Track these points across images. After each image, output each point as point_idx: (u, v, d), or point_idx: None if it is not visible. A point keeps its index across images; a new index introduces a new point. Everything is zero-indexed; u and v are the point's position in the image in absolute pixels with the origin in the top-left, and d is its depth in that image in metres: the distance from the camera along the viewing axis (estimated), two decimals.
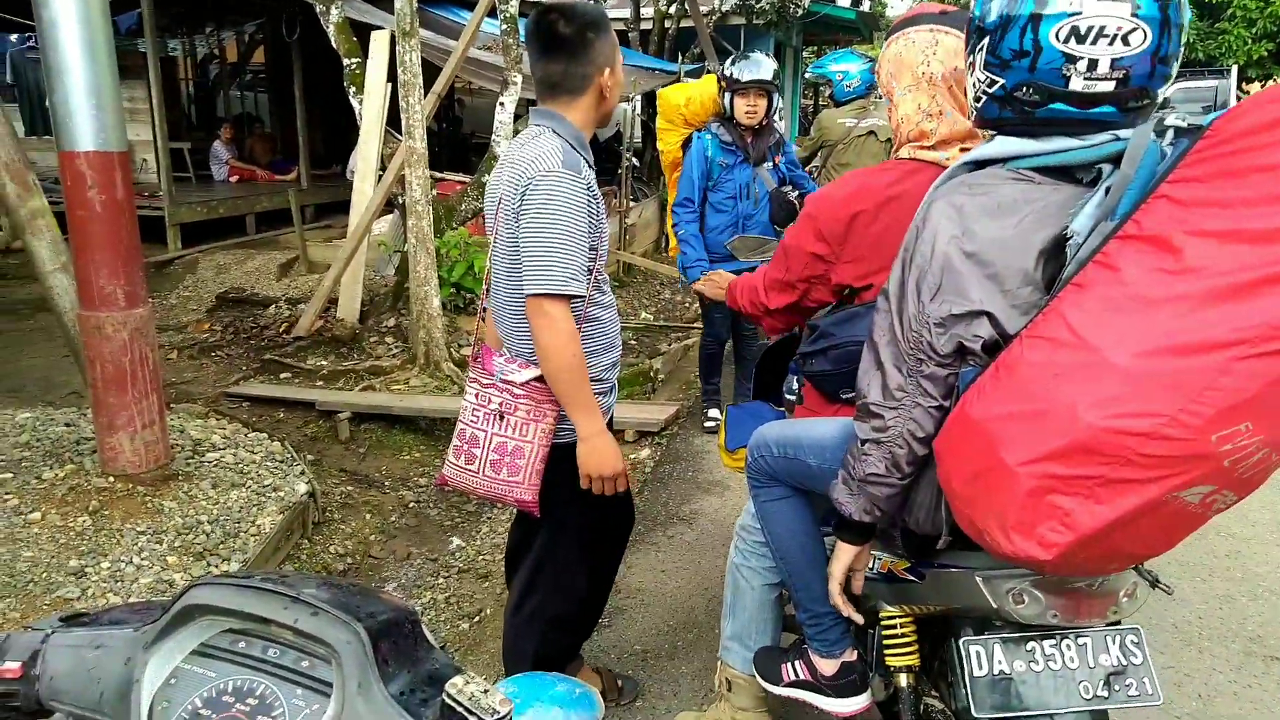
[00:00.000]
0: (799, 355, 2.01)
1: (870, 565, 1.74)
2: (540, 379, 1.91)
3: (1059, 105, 1.35)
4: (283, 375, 5.85)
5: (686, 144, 4.41)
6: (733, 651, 2.12)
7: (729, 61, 4.19)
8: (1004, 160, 1.42)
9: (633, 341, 7.28)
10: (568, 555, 2.12)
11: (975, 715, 1.49)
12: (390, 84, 6.35)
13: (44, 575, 2.95)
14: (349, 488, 4.38)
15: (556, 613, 2.18)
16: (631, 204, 9.99)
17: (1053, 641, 1.51)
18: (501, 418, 1.94)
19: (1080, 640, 1.51)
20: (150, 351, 3.48)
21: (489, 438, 1.96)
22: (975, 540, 1.37)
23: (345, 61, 6.52)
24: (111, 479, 3.48)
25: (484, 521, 4.24)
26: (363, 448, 4.99)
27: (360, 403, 5.13)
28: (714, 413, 4.75)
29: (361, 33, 6.86)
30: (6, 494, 3.42)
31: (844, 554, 1.62)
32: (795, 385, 2.21)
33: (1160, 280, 1.16)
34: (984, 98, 1.44)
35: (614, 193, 9.91)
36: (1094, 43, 1.29)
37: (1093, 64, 1.30)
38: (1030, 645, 1.51)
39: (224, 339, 6.67)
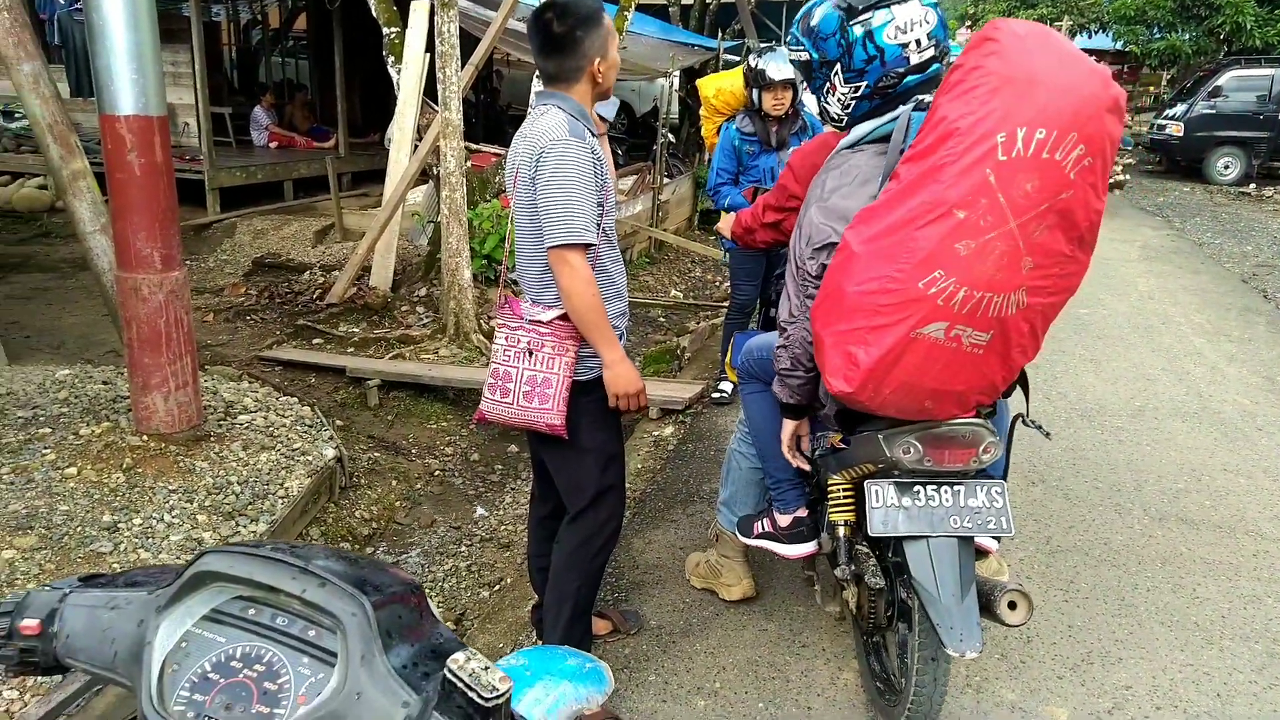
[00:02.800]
0: (773, 280, 2.84)
1: (822, 446, 2.32)
2: (563, 317, 2.18)
3: (910, 78, 2.00)
4: (315, 341, 5.92)
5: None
6: (722, 513, 2.83)
7: (755, 56, 4.34)
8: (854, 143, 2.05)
9: (661, 319, 7.27)
10: (594, 473, 2.32)
11: (870, 534, 2.02)
12: (429, 54, 6.36)
13: (78, 530, 3.04)
14: (376, 454, 4.45)
15: (607, 531, 2.36)
16: (666, 180, 9.93)
17: (934, 486, 2.02)
18: (530, 354, 2.21)
19: (956, 487, 2.03)
20: (184, 314, 3.54)
21: (520, 373, 2.21)
22: (831, 393, 1.92)
23: (384, 30, 6.53)
24: (145, 438, 3.56)
25: (507, 492, 4.29)
26: (391, 415, 5.06)
27: (390, 371, 5.19)
28: (725, 385, 4.81)
29: (402, 2, 6.86)
30: (45, 449, 3.51)
31: (787, 426, 2.33)
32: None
33: (886, 195, 1.79)
34: (853, 103, 2.06)
35: (648, 169, 9.85)
36: (911, 31, 1.95)
37: (918, 42, 1.97)
38: (916, 488, 2.02)
39: (259, 303, 6.76)
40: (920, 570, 1.96)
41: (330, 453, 3.90)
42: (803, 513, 2.52)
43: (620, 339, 2.28)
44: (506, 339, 2.25)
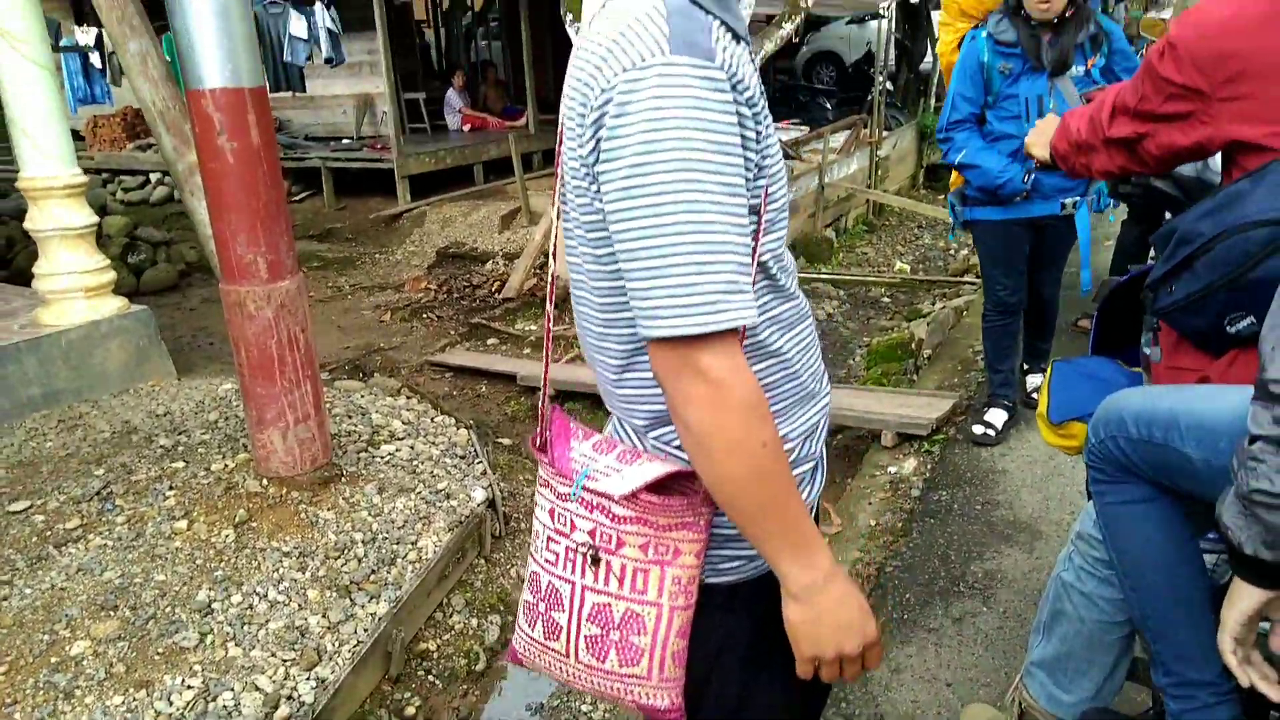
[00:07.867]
0: (1146, 290, 1.50)
1: None
2: (665, 486, 0.98)
3: None
4: (490, 341, 5.32)
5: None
6: (1035, 679, 1.69)
7: None
8: None
9: (885, 299, 6.10)
10: None
11: None
12: None
13: (168, 610, 2.46)
14: None
15: None
16: (884, 134, 8.63)
17: None
18: (596, 561, 1.01)
19: None
20: (301, 332, 2.90)
21: (578, 594, 1.05)
22: None
23: None
24: (264, 482, 2.98)
25: None
26: None
27: (565, 379, 4.44)
28: (995, 414, 3.44)
29: None
30: (169, 490, 3.02)
31: (1244, 596, 1.10)
32: (1150, 337, 1.61)
33: None
34: None
35: (864, 122, 8.61)
36: None
37: None
38: None
39: (437, 298, 6.29)
40: None
41: (480, 495, 3.17)
42: None
43: (815, 472, 1.11)
44: (553, 516, 1.08)
